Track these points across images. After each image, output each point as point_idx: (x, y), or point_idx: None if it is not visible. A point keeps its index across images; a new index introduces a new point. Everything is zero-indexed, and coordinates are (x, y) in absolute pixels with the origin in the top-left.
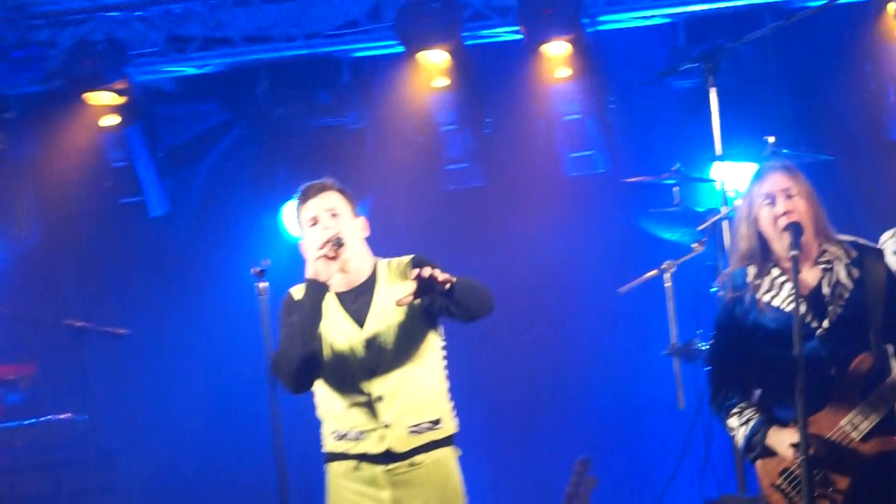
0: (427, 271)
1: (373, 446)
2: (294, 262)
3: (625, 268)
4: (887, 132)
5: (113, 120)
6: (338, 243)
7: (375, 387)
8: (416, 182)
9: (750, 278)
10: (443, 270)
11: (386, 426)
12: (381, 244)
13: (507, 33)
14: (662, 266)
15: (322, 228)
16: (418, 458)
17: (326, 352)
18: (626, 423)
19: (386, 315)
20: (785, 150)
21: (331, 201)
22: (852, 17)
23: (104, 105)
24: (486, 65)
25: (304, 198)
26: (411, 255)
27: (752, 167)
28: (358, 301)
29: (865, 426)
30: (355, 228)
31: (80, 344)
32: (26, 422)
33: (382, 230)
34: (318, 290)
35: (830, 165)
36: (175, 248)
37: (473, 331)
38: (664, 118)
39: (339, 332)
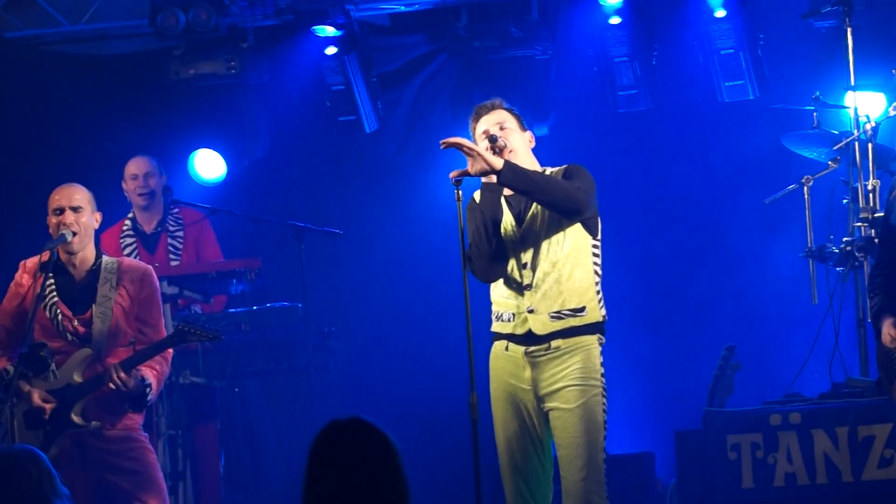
0: (465, 143)
1: (518, 328)
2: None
3: (769, 181)
4: None
5: (334, 49)
6: (500, 148)
7: (526, 277)
8: (591, 106)
9: None
10: (589, 176)
11: (530, 311)
12: (560, 159)
13: None
14: (802, 180)
15: (487, 137)
16: (556, 342)
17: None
18: (766, 316)
19: (540, 215)
20: None
21: (499, 117)
22: None
23: (327, 37)
24: (654, 5)
25: (477, 115)
26: (566, 165)
27: (880, 96)
28: (521, 202)
29: None
30: (522, 139)
31: (299, 242)
32: (252, 308)
33: (561, 148)
34: (492, 190)
35: None
36: (384, 159)
37: (631, 236)
38: (806, 53)
39: (502, 228)
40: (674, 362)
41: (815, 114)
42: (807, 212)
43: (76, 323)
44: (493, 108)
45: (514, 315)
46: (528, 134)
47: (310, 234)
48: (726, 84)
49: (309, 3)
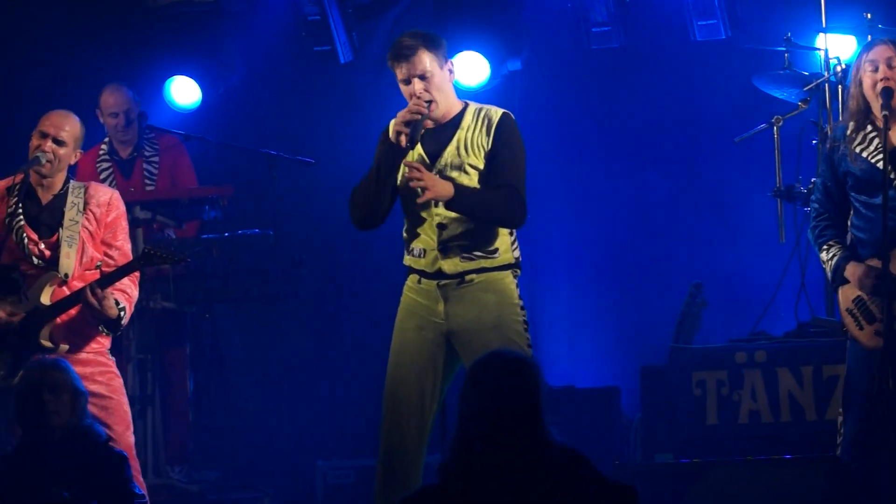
0: (412, 174)
1: (428, 266)
2: None
3: (740, 120)
4: None
5: None
6: (425, 116)
7: (438, 215)
8: (564, 42)
9: (849, 132)
10: (519, 141)
11: (441, 249)
12: (533, 94)
13: None
14: (772, 120)
15: (411, 94)
16: (468, 276)
17: (403, 176)
18: (733, 254)
19: (456, 157)
20: (880, 25)
21: (420, 63)
22: None
23: None
24: None
25: (395, 58)
26: (502, 111)
27: (850, 39)
28: (440, 136)
29: None
30: (443, 81)
31: (272, 170)
32: (224, 234)
33: (535, 82)
34: (396, 153)
35: None
36: (358, 90)
37: (600, 172)
38: None
39: (416, 162)
40: (641, 298)
41: (786, 55)
42: (776, 152)
43: (42, 246)
44: (412, 51)
45: (424, 251)
46: (449, 64)
47: (282, 163)
48: (699, 23)
49: None
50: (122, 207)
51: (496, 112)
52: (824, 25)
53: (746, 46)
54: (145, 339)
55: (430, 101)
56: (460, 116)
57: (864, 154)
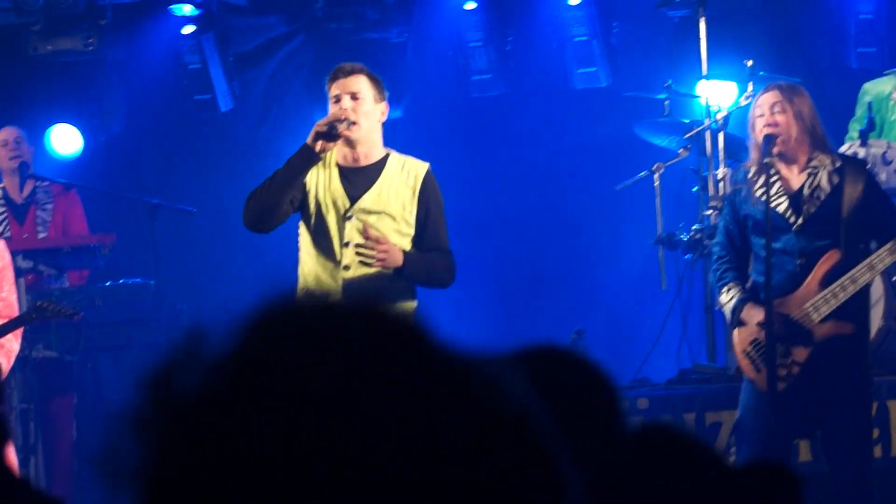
0: (371, 251)
1: None
2: None
3: (620, 168)
4: (847, 60)
5: (191, 28)
6: (346, 124)
7: (346, 256)
8: (445, 90)
9: (750, 175)
10: (442, 199)
11: (344, 294)
12: (414, 142)
13: None
14: (653, 168)
15: (340, 108)
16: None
17: (314, 212)
18: (615, 302)
19: (375, 204)
20: (761, 73)
21: (356, 84)
22: None
23: (184, 15)
24: None
25: (333, 77)
26: (426, 165)
27: (732, 85)
28: (359, 180)
29: (825, 310)
30: (372, 112)
31: (154, 219)
32: (105, 283)
33: (416, 129)
34: (307, 157)
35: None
36: (239, 138)
37: (483, 220)
38: (659, 42)
39: (330, 199)
40: (523, 344)
41: (666, 102)
42: (657, 199)
43: None
44: (352, 72)
45: (326, 294)
46: (383, 105)
47: (164, 211)
48: (579, 71)
49: None
50: (9, 257)
51: (421, 166)
52: (705, 73)
53: (627, 94)
54: (27, 389)
55: (353, 122)
56: (383, 163)
57: (764, 197)
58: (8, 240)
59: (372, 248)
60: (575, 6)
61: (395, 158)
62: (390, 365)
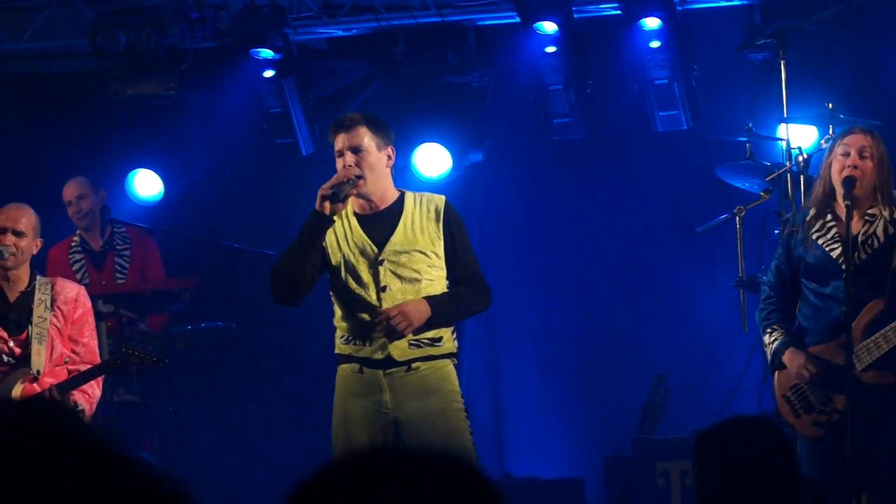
0: (392, 325)
1: (375, 353)
2: None
3: (701, 211)
4: None
5: (272, 73)
6: (352, 183)
7: (385, 301)
8: (525, 133)
9: (809, 218)
10: (465, 226)
11: (388, 338)
12: (495, 186)
13: (609, 9)
14: (734, 211)
15: (343, 165)
16: (415, 364)
17: (341, 265)
18: (696, 344)
19: (403, 244)
20: (841, 116)
21: (357, 137)
22: None
23: (265, 59)
24: (589, 35)
25: (334, 129)
26: (444, 198)
27: (812, 129)
28: (380, 225)
29: (867, 360)
30: (377, 161)
31: (234, 263)
32: (187, 328)
33: (497, 173)
34: (321, 222)
35: (879, 130)
36: (320, 182)
37: (564, 263)
38: (740, 85)
39: (357, 250)
40: (605, 388)
41: (747, 145)
42: (738, 242)
43: (12, 344)
44: (352, 124)
45: (371, 339)
46: (389, 150)
47: (245, 255)
48: (660, 114)
49: (248, 27)
50: (89, 304)
51: (439, 199)
52: (786, 115)
53: (708, 137)
54: (109, 433)
55: (358, 177)
56: (401, 202)
57: (821, 241)
58: (87, 286)
59: (390, 322)
60: (655, 49)
61: (411, 196)
62: None
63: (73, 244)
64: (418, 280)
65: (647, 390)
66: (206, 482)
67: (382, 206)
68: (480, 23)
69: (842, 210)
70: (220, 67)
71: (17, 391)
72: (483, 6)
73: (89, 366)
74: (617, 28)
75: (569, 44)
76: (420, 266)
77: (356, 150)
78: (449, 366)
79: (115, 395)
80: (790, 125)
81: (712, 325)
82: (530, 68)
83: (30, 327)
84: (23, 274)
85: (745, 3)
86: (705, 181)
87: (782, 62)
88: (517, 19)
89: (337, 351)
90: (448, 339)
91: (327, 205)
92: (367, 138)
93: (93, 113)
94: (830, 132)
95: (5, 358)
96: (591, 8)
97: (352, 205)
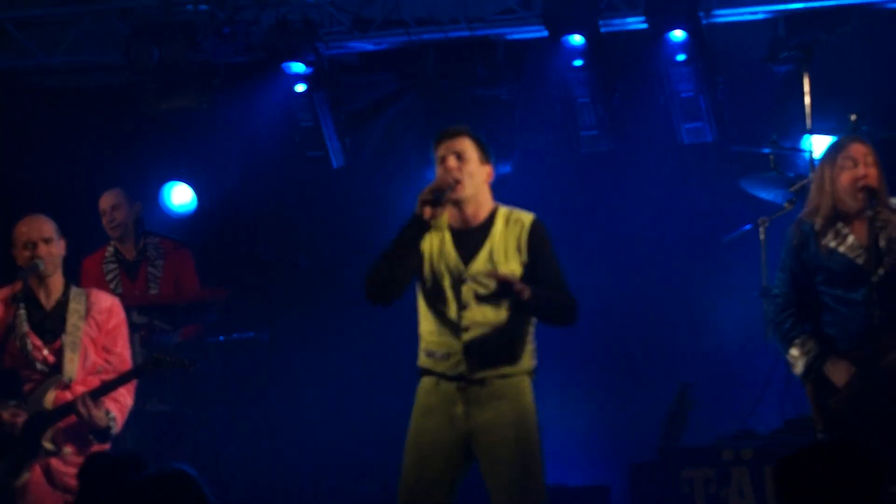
0: (505, 280)
1: (451, 369)
2: None
3: (727, 222)
4: None
5: (303, 87)
6: (451, 187)
7: (466, 317)
8: (554, 146)
9: (817, 228)
10: (551, 244)
11: (466, 353)
12: (524, 198)
13: (635, 23)
14: (758, 221)
15: (445, 169)
16: (490, 380)
17: (429, 276)
18: (721, 354)
19: (489, 264)
20: (864, 127)
21: (461, 145)
22: None
23: (297, 74)
24: (616, 48)
25: (438, 139)
26: (532, 216)
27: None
28: (471, 240)
29: None
30: (477, 172)
31: (266, 274)
32: (219, 338)
33: (526, 185)
34: (417, 226)
35: None
36: (351, 195)
37: (590, 274)
38: (764, 97)
39: (444, 264)
40: (631, 396)
41: (771, 156)
42: (762, 252)
43: (46, 352)
44: (457, 134)
45: (448, 354)
46: (488, 168)
47: (276, 266)
48: (686, 126)
49: (280, 41)
50: (123, 315)
51: (527, 218)
52: (809, 127)
53: (733, 149)
54: (142, 442)
55: (457, 181)
56: (490, 221)
57: (841, 249)
58: (120, 296)
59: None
60: (681, 62)
61: (503, 214)
62: None
63: (107, 254)
64: (496, 299)
65: (672, 399)
66: (238, 491)
67: (474, 223)
68: (509, 37)
69: (856, 217)
70: (252, 81)
71: (50, 397)
72: (512, 20)
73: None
74: (643, 42)
75: (596, 57)
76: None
77: (458, 156)
78: (524, 381)
79: (148, 404)
80: (814, 136)
81: (736, 335)
82: (558, 82)
83: (63, 336)
84: (57, 281)
85: (770, 16)
86: (730, 193)
87: (806, 74)
88: (545, 33)
89: (419, 363)
90: (527, 356)
91: (427, 209)
92: (469, 147)
93: (126, 126)
94: None
95: (39, 366)
96: (618, 22)
97: (448, 216)
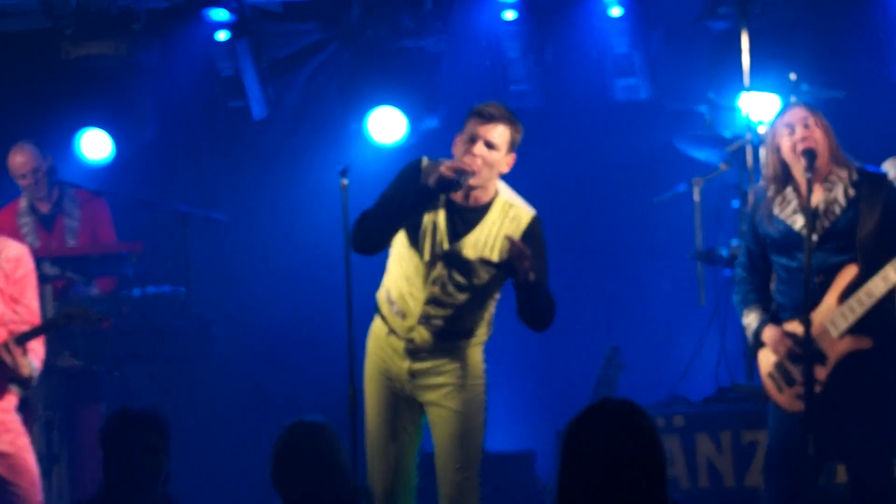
0: (521, 251)
1: (401, 330)
2: (375, 164)
3: (659, 181)
4: (891, 74)
5: (225, 34)
6: (470, 175)
7: (434, 289)
8: (482, 100)
9: (770, 194)
10: (545, 245)
11: (422, 322)
12: (450, 152)
13: None
14: (692, 181)
15: (471, 155)
16: (437, 350)
17: (413, 238)
18: (652, 317)
19: (473, 249)
20: (804, 86)
21: (497, 134)
22: None
23: (218, 21)
24: (548, 2)
25: (479, 115)
26: (531, 214)
27: (774, 98)
28: (464, 220)
29: (843, 326)
30: (499, 163)
31: (184, 227)
32: (134, 292)
33: (451, 140)
34: (426, 198)
35: (841, 101)
36: (272, 147)
37: None
38: (700, 54)
39: (432, 234)
40: (558, 361)
41: (707, 115)
42: (696, 213)
43: None
44: (497, 120)
45: (403, 314)
46: (511, 157)
47: (195, 220)
48: (619, 83)
49: None
50: (32, 264)
51: (526, 216)
52: (747, 85)
53: (667, 106)
54: (53, 398)
55: (475, 173)
56: (487, 207)
57: (782, 215)
58: (38, 249)
59: (523, 261)
60: (615, 17)
61: (501, 203)
62: None
63: (20, 207)
64: (469, 285)
65: (601, 362)
66: None
67: (473, 204)
68: None
69: (802, 183)
70: (173, 28)
71: None
72: None
73: (31, 326)
74: None
75: (528, 10)
76: (478, 273)
77: (489, 146)
78: (475, 348)
79: (60, 359)
80: (751, 94)
81: (668, 298)
82: (488, 35)
83: None
84: None
85: None
86: (664, 151)
87: (744, 31)
88: None
89: (377, 299)
90: (482, 332)
91: (449, 176)
92: (503, 139)
93: (43, 73)
94: (793, 102)
95: None
96: None
97: None
